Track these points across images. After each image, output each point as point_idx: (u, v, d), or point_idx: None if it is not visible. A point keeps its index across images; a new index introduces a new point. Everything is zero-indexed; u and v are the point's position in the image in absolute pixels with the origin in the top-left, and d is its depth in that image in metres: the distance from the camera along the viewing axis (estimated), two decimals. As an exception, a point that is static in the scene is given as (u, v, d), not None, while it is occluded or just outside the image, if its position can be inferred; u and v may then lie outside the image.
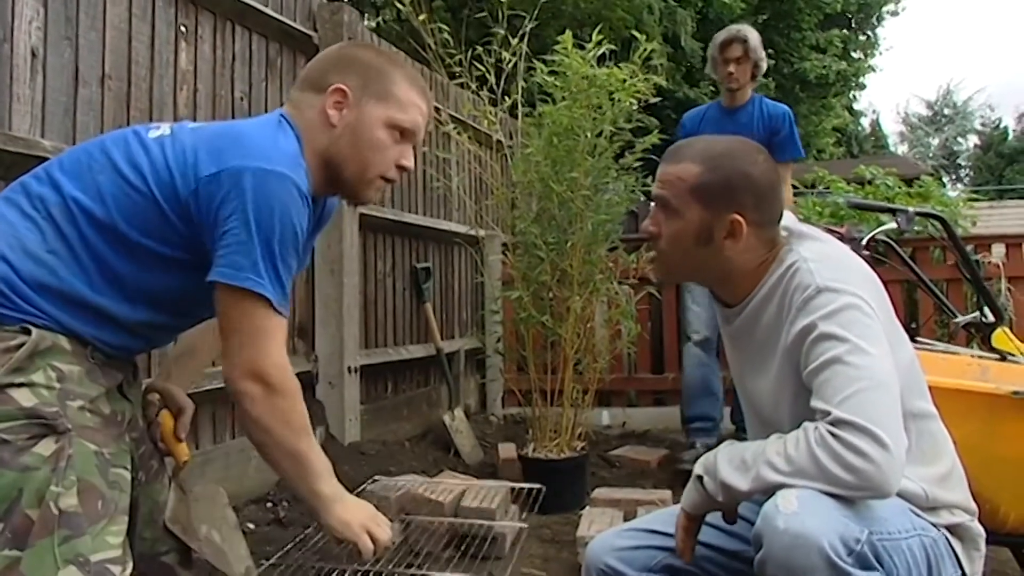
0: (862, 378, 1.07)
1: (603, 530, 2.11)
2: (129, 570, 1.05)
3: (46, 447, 1.00)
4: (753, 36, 3.25)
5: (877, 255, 2.82)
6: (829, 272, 1.17)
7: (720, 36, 3.28)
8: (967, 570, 1.18)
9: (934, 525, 1.16)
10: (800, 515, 1.00)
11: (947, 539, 1.17)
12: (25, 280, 1.03)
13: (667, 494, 2.56)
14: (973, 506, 1.23)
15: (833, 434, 1.04)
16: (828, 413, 1.06)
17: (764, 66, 3.31)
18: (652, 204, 1.30)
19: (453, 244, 4.12)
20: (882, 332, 1.14)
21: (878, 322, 1.15)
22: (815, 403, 1.10)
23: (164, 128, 1.16)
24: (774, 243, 1.25)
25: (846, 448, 1.03)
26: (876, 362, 1.09)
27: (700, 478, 1.18)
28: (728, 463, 1.14)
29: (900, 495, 1.11)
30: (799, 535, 0.99)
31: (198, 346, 1.44)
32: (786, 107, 3.37)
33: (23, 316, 1.03)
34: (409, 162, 1.28)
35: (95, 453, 1.05)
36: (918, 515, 1.15)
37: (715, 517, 1.28)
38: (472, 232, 3.66)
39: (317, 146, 1.21)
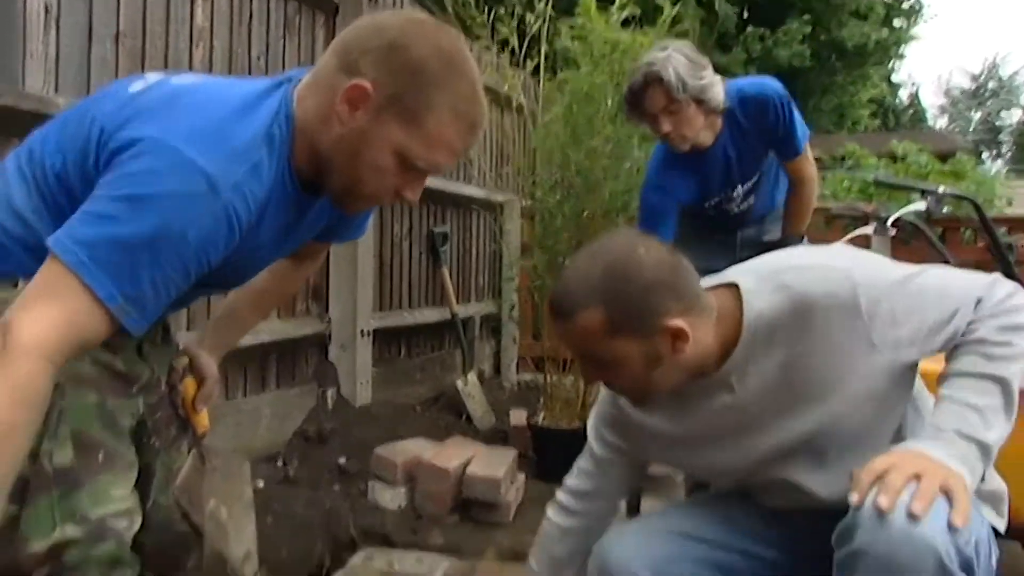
0: (947, 273, 1.12)
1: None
2: (137, 524, 1.04)
3: None
4: (673, 63, 2.01)
5: (904, 235, 2.75)
6: (821, 278, 1.11)
7: (627, 85, 2.13)
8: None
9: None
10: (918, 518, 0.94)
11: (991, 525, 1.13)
12: (13, 238, 1.00)
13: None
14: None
15: (1002, 313, 1.07)
16: (977, 301, 1.08)
17: (717, 93, 2.07)
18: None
19: (471, 209, 4.09)
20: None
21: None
22: (952, 325, 1.08)
23: (149, 79, 1.05)
24: (712, 305, 1.15)
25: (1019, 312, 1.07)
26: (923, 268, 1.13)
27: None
28: (969, 426, 1.02)
29: None
30: (916, 535, 0.93)
31: (238, 312, 1.38)
32: (765, 91, 2.15)
33: (13, 270, 0.99)
34: (413, 195, 1.05)
35: (95, 404, 1.02)
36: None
37: (754, 524, 1.27)
38: (490, 198, 3.63)
39: (312, 136, 1.01)
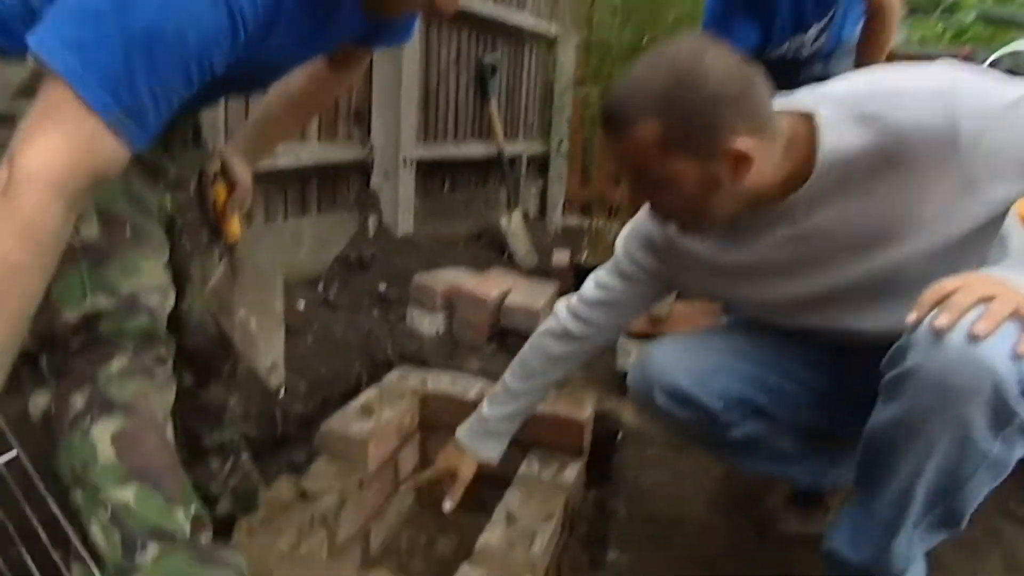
0: None
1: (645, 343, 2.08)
2: (170, 302, 1.02)
3: None
4: None
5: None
6: (915, 106, 0.93)
7: None
8: None
9: None
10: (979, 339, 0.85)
11: None
12: (15, 18, 0.92)
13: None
14: None
15: None
16: None
17: None
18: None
19: (523, 41, 3.84)
20: None
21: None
22: None
23: None
24: (783, 130, 1.01)
25: None
26: None
27: None
28: None
29: None
30: (974, 356, 0.84)
31: (273, 115, 1.31)
32: None
33: (19, 47, 0.89)
34: (448, 4, 0.96)
35: (120, 183, 0.98)
36: None
37: (803, 350, 1.18)
38: (544, 31, 3.39)
39: None
